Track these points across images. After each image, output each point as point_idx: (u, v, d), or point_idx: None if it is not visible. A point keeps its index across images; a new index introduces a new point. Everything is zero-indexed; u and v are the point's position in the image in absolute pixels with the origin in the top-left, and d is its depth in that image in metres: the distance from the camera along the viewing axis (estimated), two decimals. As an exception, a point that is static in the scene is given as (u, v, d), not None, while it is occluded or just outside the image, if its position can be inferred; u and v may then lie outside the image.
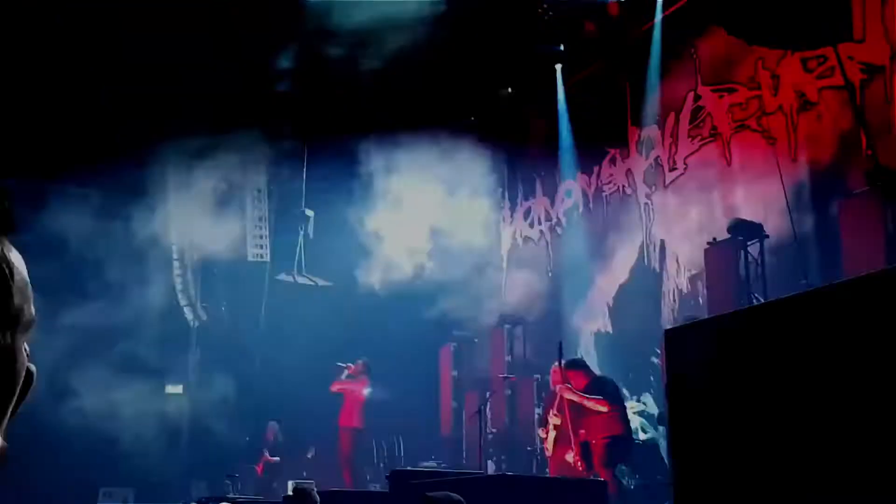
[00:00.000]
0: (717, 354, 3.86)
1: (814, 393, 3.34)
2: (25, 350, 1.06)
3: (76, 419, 13.70)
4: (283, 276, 16.41)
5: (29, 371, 1.07)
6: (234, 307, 17.09)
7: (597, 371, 10.28)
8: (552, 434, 9.35)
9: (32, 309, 1.07)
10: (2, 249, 1.05)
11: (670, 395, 4.05)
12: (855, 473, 3.17)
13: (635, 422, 10.58)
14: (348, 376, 12.20)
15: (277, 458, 14.27)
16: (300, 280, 16.19)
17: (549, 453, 9.42)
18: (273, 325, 16.52)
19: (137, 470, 14.37)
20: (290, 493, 13.41)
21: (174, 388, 16.73)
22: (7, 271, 1.03)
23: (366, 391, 12.22)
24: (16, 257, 1.05)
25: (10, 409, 1.08)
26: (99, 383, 14.27)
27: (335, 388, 12.13)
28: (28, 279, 1.07)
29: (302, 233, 15.70)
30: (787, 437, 3.41)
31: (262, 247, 17.15)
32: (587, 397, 8.77)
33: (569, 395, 8.85)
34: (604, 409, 8.66)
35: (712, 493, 3.67)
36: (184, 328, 16.61)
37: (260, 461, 14.31)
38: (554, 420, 9.30)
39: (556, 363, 9.70)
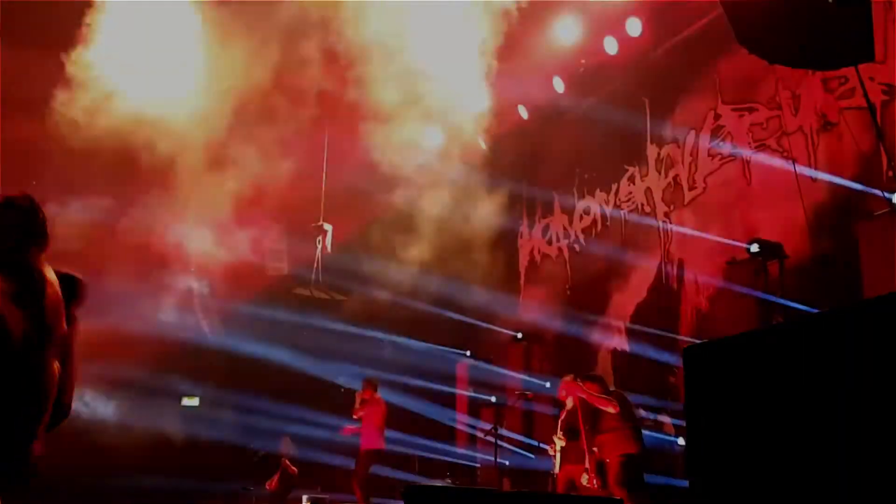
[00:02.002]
0: (737, 373, 3.84)
1: (835, 413, 3.31)
2: (56, 366, 1.07)
3: (90, 431, 13.72)
4: (300, 290, 16.45)
5: (62, 386, 1.08)
6: (252, 320, 17.12)
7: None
8: (558, 454, 9.30)
9: (64, 326, 1.08)
10: (40, 266, 1.06)
11: (688, 413, 4.02)
12: (878, 492, 3.13)
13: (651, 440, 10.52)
14: (363, 401, 12.16)
15: (295, 470, 14.25)
16: (317, 294, 16.22)
17: (556, 470, 9.37)
18: (289, 339, 16.54)
19: (151, 482, 14.37)
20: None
21: (190, 401, 16.77)
22: (42, 289, 1.05)
23: (384, 412, 12.20)
24: (50, 275, 1.06)
25: (45, 421, 1.10)
26: (114, 395, 14.31)
27: (357, 416, 12.10)
28: (61, 296, 1.08)
29: (319, 247, 15.73)
30: (807, 458, 3.39)
31: (280, 260, 17.20)
32: (597, 396, 8.71)
33: (580, 393, 8.79)
34: (612, 409, 8.57)
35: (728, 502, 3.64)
36: (201, 340, 16.64)
37: (277, 471, 14.26)
38: (559, 442, 9.22)
39: (569, 376, 9.69)
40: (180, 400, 16.64)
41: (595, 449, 8.75)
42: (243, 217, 15.37)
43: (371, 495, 11.88)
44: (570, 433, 9.11)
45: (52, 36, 11.71)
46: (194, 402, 16.81)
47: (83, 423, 13.72)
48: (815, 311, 8.26)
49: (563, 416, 9.37)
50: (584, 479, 8.56)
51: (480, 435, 13.99)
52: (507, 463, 13.51)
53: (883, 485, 2.98)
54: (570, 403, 9.31)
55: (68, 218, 13.54)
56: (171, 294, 15.60)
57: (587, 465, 8.65)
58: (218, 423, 15.69)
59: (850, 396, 3.24)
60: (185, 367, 15.98)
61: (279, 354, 16.18)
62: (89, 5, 11.57)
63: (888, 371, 3.13)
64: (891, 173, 8.78)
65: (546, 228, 16.10)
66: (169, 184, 13.86)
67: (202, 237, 15.56)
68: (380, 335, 16.08)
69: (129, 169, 12.94)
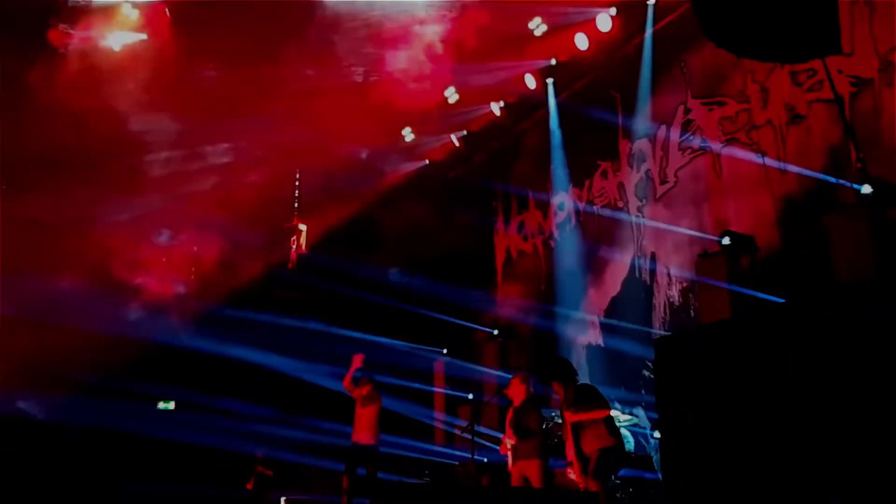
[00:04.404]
0: (707, 363, 3.87)
1: (803, 399, 3.34)
2: None
3: (62, 435, 13.60)
4: (275, 290, 16.39)
5: None
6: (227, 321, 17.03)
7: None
8: (510, 453, 9.28)
9: None
10: None
11: (661, 402, 4.06)
12: (844, 475, 3.18)
13: (626, 434, 10.53)
14: (365, 398, 12.05)
15: (271, 472, 14.21)
16: (292, 294, 16.16)
17: (510, 468, 9.36)
18: (267, 340, 16.46)
19: (126, 486, 14.27)
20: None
21: (165, 405, 16.66)
22: None
23: (380, 408, 12.16)
24: None
25: None
26: (91, 400, 14.18)
27: (355, 394, 11.96)
28: None
29: (294, 246, 15.70)
30: (777, 442, 3.42)
31: (254, 260, 17.10)
32: (588, 413, 8.48)
33: (573, 419, 8.54)
34: (605, 414, 8.45)
35: (703, 498, 3.67)
36: (175, 342, 16.52)
37: (252, 475, 14.21)
38: (509, 441, 9.20)
39: (520, 373, 9.66)
40: (155, 403, 16.52)
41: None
42: (217, 217, 15.29)
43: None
44: (520, 431, 9.09)
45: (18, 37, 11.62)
46: (169, 405, 16.69)
47: (55, 427, 13.59)
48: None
49: (510, 416, 9.35)
50: (572, 474, 8.49)
51: (457, 432, 13.98)
52: (484, 460, 13.51)
53: (851, 463, 3.02)
54: (517, 401, 9.34)
55: (39, 218, 13.41)
56: (145, 296, 15.49)
57: (570, 458, 8.57)
58: (193, 426, 15.58)
59: (819, 381, 3.28)
60: (159, 371, 15.86)
61: (254, 356, 16.11)
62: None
63: (855, 356, 3.17)
64: (859, 165, 8.84)
65: (521, 225, 16.13)
66: (141, 184, 13.78)
67: (175, 238, 15.47)
68: (356, 335, 16.02)
69: (99, 169, 12.85)
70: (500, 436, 9.92)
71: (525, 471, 8.98)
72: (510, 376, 9.83)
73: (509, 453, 9.22)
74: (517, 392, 9.37)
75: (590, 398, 8.51)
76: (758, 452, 3.53)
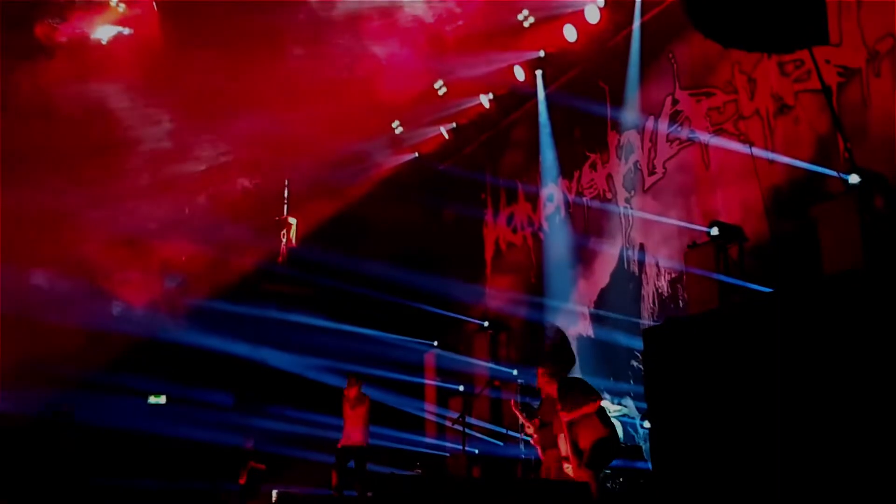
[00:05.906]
0: (695, 352, 3.90)
1: (790, 387, 3.36)
2: None
3: (54, 430, 13.57)
4: (265, 284, 16.39)
5: None
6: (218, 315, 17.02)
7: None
8: (538, 444, 9.31)
9: None
10: None
11: (650, 392, 4.08)
12: (831, 467, 3.20)
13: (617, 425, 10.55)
14: (358, 397, 12.03)
15: (263, 466, 14.22)
16: (282, 288, 16.16)
17: (541, 456, 9.36)
18: (258, 334, 16.46)
19: (119, 481, 14.26)
20: (274, 500, 13.41)
21: (157, 399, 16.64)
22: None
23: (369, 408, 12.18)
24: None
25: None
26: (81, 394, 14.16)
27: (359, 414, 11.94)
28: None
29: (284, 240, 15.69)
30: (764, 431, 3.44)
31: (245, 254, 17.09)
32: (580, 412, 8.50)
33: (568, 418, 8.56)
34: (597, 406, 8.49)
35: (693, 487, 3.69)
36: (167, 336, 16.50)
37: (244, 469, 14.21)
38: (529, 430, 9.25)
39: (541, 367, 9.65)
40: (147, 398, 16.51)
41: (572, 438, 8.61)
42: (206, 211, 15.26)
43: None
44: (541, 421, 9.15)
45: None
46: (161, 399, 16.68)
47: (48, 422, 13.57)
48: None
49: (544, 406, 9.34)
50: (569, 469, 8.51)
51: (448, 424, 14.02)
52: (476, 451, 13.56)
53: (838, 454, 3.04)
54: (552, 393, 9.33)
55: (30, 211, 13.37)
56: (136, 290, 15.46)
57: (564, 453, 8.58)
58: (185, 420, 15.58)
59: (807, 369, 3.30)
60: (151, 365, 15.85)
61: (245, 349, 16.11)
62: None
63: (841, 344, 3.19)
64: (847, 155, 8.87)
65: (510, 217, 16.14)
66: (131, 177, 13.74)
67: (167, 232, 15.44)
68: (347, 328, 16.04)
69: (86, 164, 12.80)
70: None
71: (553, 459, 8.97)
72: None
73: (538, 444, 9.23)
74: (547, 384, 9.23)
75: (580, 392, 8.55)
76: (747, 441, 3.56)
